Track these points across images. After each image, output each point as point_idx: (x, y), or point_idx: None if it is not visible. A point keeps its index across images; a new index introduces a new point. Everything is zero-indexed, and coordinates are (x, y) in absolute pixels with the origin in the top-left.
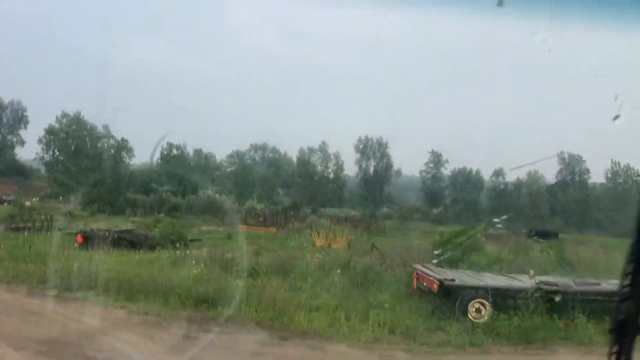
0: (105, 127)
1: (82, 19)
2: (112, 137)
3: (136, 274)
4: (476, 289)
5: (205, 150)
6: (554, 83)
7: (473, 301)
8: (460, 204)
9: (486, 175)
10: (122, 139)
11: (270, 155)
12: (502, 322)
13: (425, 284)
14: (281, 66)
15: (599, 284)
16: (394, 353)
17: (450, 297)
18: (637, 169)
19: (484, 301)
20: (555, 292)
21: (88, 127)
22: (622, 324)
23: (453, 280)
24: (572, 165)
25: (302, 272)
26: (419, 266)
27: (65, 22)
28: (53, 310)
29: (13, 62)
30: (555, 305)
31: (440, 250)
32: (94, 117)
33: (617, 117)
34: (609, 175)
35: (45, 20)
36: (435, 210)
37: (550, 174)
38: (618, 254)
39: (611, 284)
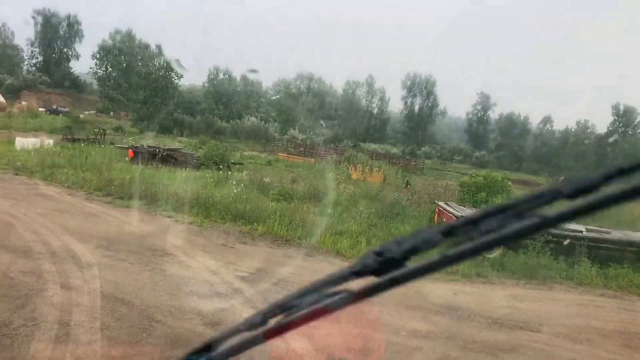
0: (158, 46)
1: None
2: (163, 56)
3: (182, 189)
4: None
5: (251, 76)
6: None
7: None
8: (503, 148)
9: (534, 121)
10: (172, 60)
11: (316, 86)
12: (510, 259)
13: (444, 219)
14: None
15: (609, 233)
16: None
17: None
18: None
19: None
20: (565, 236)
21: (140, 46)
22: None
23: None
24: (626, 118)
25: (333, 200)
26: (441, 203)
27: None
28: (108, 214)
29: None
30: (564, 248)
31: (465, 190)
32: (146, 36)
33: None
34: None
35: None
36: (477, 153)
37: (602, 125)
38: None
39: (623, 233)
